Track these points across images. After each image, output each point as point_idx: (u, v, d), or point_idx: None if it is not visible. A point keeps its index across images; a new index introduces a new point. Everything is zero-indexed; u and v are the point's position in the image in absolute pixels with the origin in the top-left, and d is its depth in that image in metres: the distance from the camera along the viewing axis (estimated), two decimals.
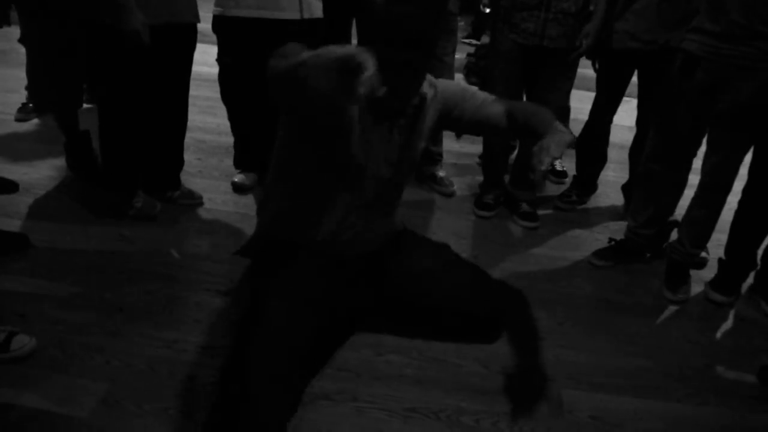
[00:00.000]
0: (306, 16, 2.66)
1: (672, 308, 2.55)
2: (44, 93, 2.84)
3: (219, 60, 2.87)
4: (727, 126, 2.37)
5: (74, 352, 1.96)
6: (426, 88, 1.57)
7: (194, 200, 2.91)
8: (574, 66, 2.86)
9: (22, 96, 3.60)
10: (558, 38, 2.69)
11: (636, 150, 3.10)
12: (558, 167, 3.63)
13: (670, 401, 2.05)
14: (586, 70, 3.18)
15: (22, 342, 1.91)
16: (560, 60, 2.77)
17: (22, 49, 2.85)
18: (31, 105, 3.53)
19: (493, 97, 1.66)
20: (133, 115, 2.58)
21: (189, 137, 3.06)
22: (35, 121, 3.56)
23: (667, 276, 2.66)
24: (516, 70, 2.82)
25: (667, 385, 2.12)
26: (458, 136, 1.95)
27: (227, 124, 3.09)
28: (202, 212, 2.88)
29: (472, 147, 3.74)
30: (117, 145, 2.61)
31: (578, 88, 3.11)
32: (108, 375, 1.88)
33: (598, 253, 2.81)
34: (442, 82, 1.65)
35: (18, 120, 3.52)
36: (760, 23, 2.17)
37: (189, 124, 2.87)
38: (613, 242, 2.85)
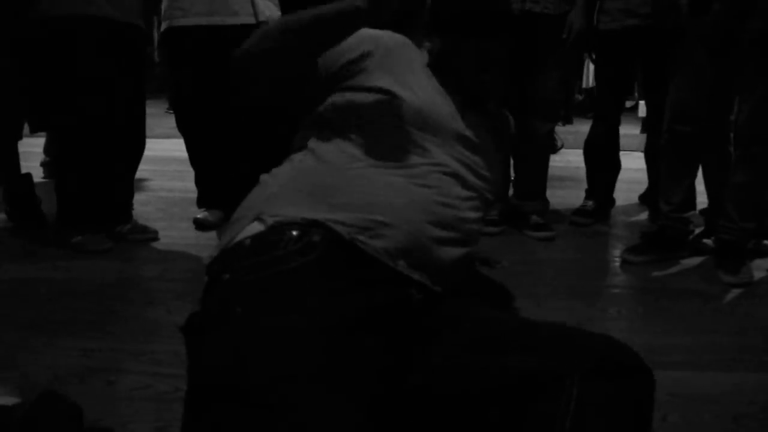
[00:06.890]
0: (261, 19, 2.41)
1: (736, 291, 2.05)
2: None
3: (172, 78, 2.61)
4: (759, 60, 2.02)
5: None
6: None
7: (147, 234, 2.45)
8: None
9: None
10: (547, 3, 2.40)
11: (652, 152, 2.70)
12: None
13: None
14: None
15: None
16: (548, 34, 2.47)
17: None
18: None
19: None
20: (91, 133, 2.27)
21: (153, 195, 3.14)
22: None
23: (719, 259, 2.18)
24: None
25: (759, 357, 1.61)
26: None
27: (195, 188, 2.75)
28: (157, 245, 2.42)
29: None
30: (72, 172, 2.29)
31: None
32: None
33: (633, 249, 2.33)
34: None
35: None
36: None
37: (155, 186, 2.78)
38: (647, 236, 2.40)
